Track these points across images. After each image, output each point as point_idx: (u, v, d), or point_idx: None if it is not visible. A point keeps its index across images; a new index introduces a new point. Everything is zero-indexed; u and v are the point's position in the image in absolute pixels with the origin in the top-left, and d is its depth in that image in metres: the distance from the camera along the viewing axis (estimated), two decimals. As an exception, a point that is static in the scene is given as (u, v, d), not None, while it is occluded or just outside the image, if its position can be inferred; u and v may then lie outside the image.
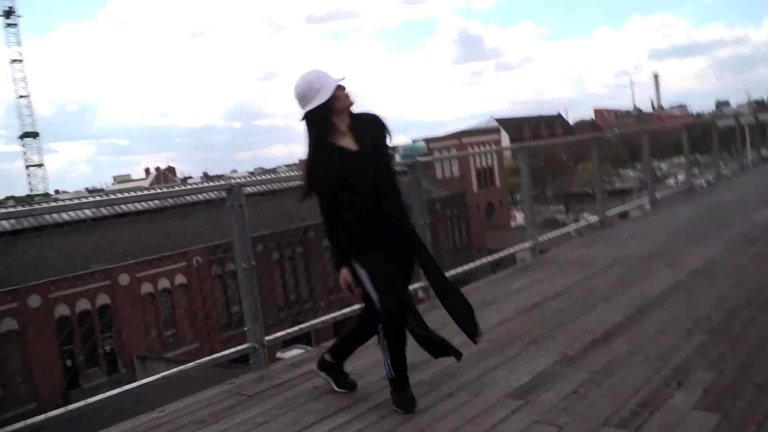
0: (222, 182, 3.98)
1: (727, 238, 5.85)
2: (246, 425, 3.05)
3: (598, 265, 5.47)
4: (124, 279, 26.47)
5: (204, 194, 30.75)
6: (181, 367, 3.80)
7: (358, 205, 2.97)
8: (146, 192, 28.06)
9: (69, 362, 24.96)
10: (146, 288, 27.32)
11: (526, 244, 6.13)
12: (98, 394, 3.45)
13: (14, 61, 45.74)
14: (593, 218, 7.53)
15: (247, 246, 4.02)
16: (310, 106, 2.96)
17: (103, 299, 26.08)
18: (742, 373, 2.87)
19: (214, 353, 4.21)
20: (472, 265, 5.71)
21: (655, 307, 4.02)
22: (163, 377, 3.71)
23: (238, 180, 3.98)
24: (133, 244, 26.22)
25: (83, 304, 25.61)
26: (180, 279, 28.28)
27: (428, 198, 33.65)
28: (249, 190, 4.11)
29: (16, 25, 44.09)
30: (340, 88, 3.00)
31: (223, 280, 28.76)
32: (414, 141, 49.28)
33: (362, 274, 3.01)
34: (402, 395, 3.00)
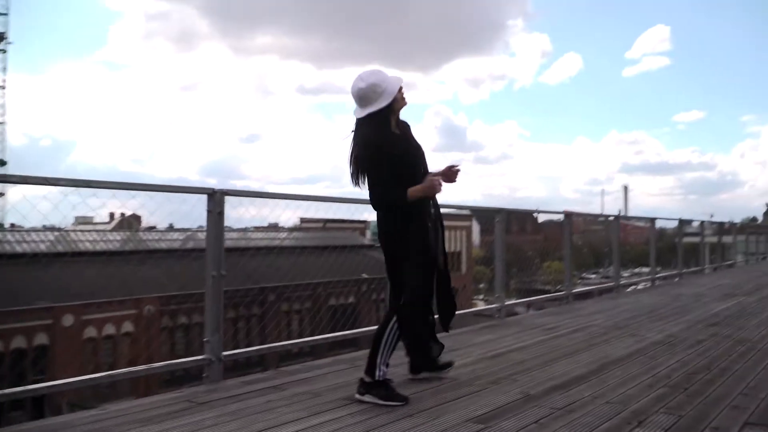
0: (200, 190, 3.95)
1: (687, 320, 5.97)
2: (192, 426, 2.92)
3: (562, 329, 5.50)
4: (68, 320, 25.41)
5: (165, 243, 30.65)
6: (132, 368, 3.65)
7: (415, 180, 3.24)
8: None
9: (-7, 401, 23.49)
10: (90, 332, 26.23)
11: (494, 305, 6.14)
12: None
13: (-2, 86, 45.41)
14: (560, 293, 7.61)
15: (220, 254, 3.97)
16: (373, 108, 3.20)
17: (42, 339, 24.90)
18: (699, 419, 2.88)
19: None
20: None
21: (617, 365, 4.03)
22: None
23: (222, 188, 3.96)
24: (85, 284, 25.36)
25: (18, 342, 24.39)
26: (127, 327, 27.26)
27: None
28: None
29: (5, 51, 43.93)
30: (399, 92, 3.27)
31: (172, 334, 27.83)
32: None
33: (415, 258, 3.24)
34: (395, 390, 3.20)
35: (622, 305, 7.29)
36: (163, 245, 29.92)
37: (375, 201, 3.30)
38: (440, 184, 3.27)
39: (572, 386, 3.51)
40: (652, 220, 11.21)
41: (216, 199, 3.95)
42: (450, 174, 3.43)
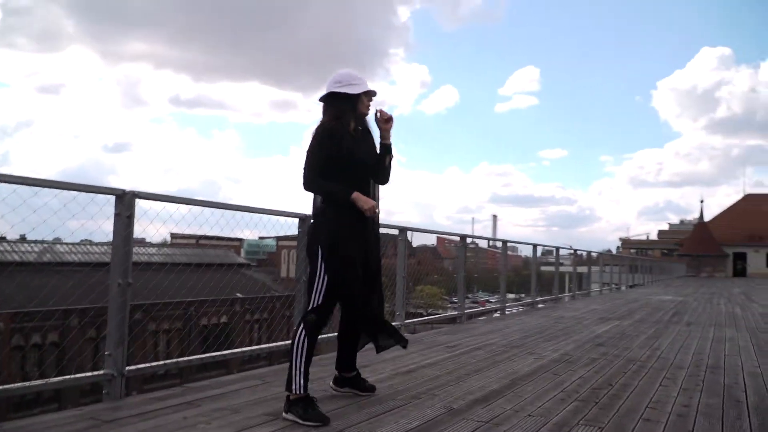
0: (105, 190, 3.65)
1: (575, 340, 6.32)
2: (105, 445, 2.65)
3: (463, 347, 5.62)
4: None
5: (17, 255, 27.96)
6: (26, 383, 3.25)
7: (353, 186, 3.24)
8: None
9: None
10: None
11: (396, 323, 6.16)
12: None
13: None
14: (452, 313, 7.80)
15: (127, 260, 3.67)
16: (341, 89, 3.28)
17: None
18: (618, 429, 3.04)
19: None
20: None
21: (526, 381, 4.17)
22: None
23: (133, 190, 3.68)
24: None
25: None
26: (-31, 345, 24.49)
27: (265, 294, 32.78)
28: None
29: None
30: (367, 96, 3.37)
31: (23, 354, 25.36)
32: (261, 238, 48.65)
33: (321, 267, 3.20)
34: (314, 410, 3.04)
35: (511, 326, 7.59)
36: (15, 257, 27.43)
37: (308, 184, 3.27)
38: (376, 213, 3.32)
39: (491, 400, 3.58)
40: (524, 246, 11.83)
41: (126, 201, 3.67)
42: (383, 120, 3.46)
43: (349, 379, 3.64)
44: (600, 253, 22.03)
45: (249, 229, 4.90)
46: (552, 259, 15.16)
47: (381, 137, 3.48)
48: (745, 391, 4.02)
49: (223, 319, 30.80)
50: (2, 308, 24.78)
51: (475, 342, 5.99)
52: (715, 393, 3.94)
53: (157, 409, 3.31)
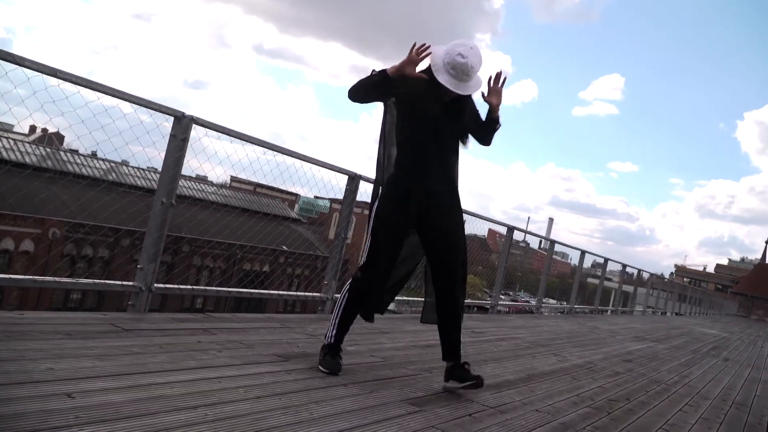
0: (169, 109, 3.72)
1: (604, 352, 6.16)
2: (119, 350, 2.73)
3: (488, 336, 5.56)
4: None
5: (82, 167, 29.02)
6: (60, 279, 3.38)
7: (415, 146, 3.06)
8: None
9: None
10: (-16, 241, 24.67)
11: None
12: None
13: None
14: (485, 301, 7.73)
15: (174, 182, 3.75)
16: (446, 72, 2.94)
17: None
18: (626, 442, 2.94)
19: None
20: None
21: (543, 379, 4.09)
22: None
23: (192, 115, 3.73)
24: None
25: None
26: (27, 245, 25.82)
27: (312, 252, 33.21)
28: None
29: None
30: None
31: (74, 263, 26.56)
32: (316, 197, 49.16)
33: (368, 227, 3.12)
34: (333, 358, 3.08)
35: (542, 325, 7.47)
36: (85, 171, 28.51)
37: (351, 91, 3.06)
38: (417, 54, 2.92)
39: (502, 389, 3.52)
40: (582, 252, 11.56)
41: (183, 124, 3.74)
42: (495, 86, 3.18)
43: (447, 370, 3.24)
44: (651, 274, 21.38)
45: (307, 187, 4.93)
46: (600, 273, 14.81)
47: (490, 111, 3.21)
48: (769, 435, 3.84)
49: (266, 268, 31.43)
50: (56, 215, 25.90)
51: (502, 333, 5.91)
52: (735, 428, 3.77)
53: (175, 329, 3.40)
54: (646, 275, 20.25)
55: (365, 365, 3.42)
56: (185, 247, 27.82)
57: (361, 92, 3.03)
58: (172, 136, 3.71)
